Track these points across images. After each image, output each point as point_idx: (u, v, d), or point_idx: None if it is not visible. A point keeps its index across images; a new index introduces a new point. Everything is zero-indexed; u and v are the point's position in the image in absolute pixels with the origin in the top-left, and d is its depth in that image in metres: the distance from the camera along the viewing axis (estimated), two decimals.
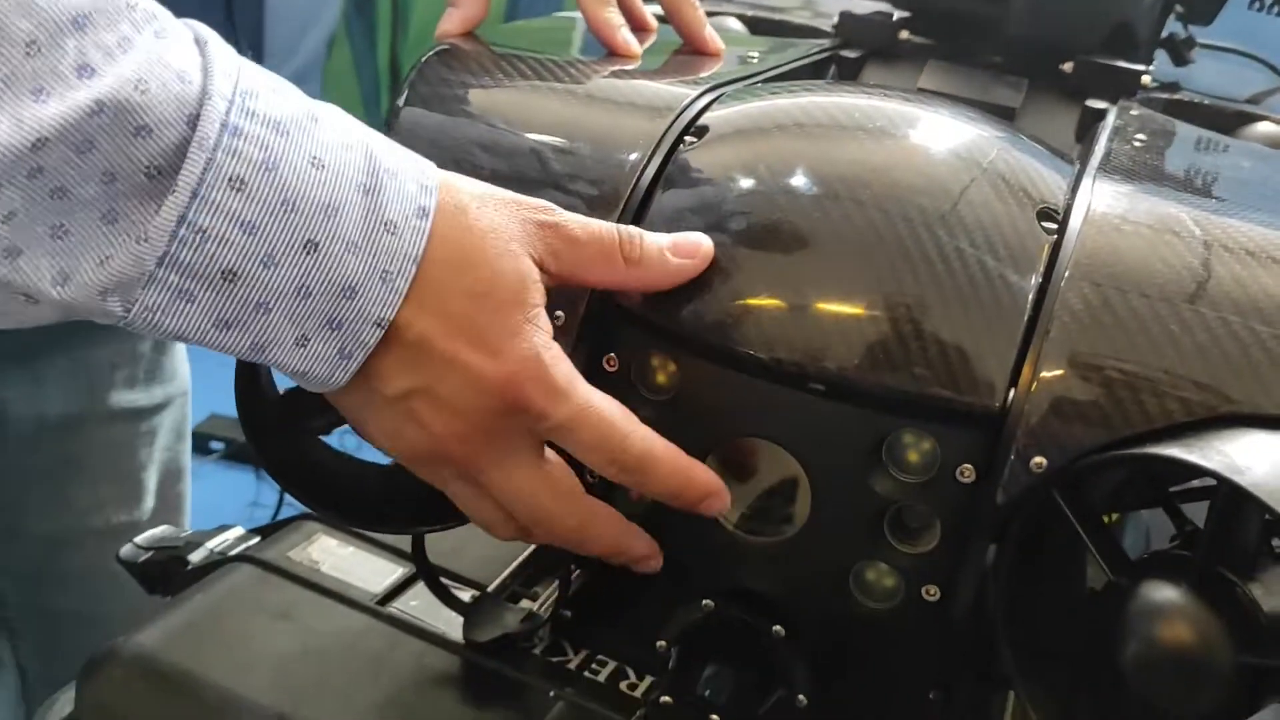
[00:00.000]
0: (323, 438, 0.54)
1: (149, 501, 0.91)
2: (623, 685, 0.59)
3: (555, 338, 0.44)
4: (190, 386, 0.93)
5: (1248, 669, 0.38)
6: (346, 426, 0.49)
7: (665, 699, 0.48)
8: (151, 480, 0.91)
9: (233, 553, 0.66)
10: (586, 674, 0.60)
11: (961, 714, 0.52)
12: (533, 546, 0.68)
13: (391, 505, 0.53)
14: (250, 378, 0.51)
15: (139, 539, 0.68)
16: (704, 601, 0.53)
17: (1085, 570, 0.46)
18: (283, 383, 0.54)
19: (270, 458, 0.51)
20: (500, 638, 0.59)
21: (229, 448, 2.00)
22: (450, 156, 0.52)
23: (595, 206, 0.50)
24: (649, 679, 0.60)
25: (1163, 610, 0.40)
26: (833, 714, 0.51)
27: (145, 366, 0.87)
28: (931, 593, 0.46)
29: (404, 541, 0.67)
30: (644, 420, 0.47)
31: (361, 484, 0.54)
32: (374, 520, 0.53)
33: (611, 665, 0.61)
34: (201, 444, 1.94)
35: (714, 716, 0.47)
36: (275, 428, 0.51)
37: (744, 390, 0.46)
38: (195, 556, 0.66)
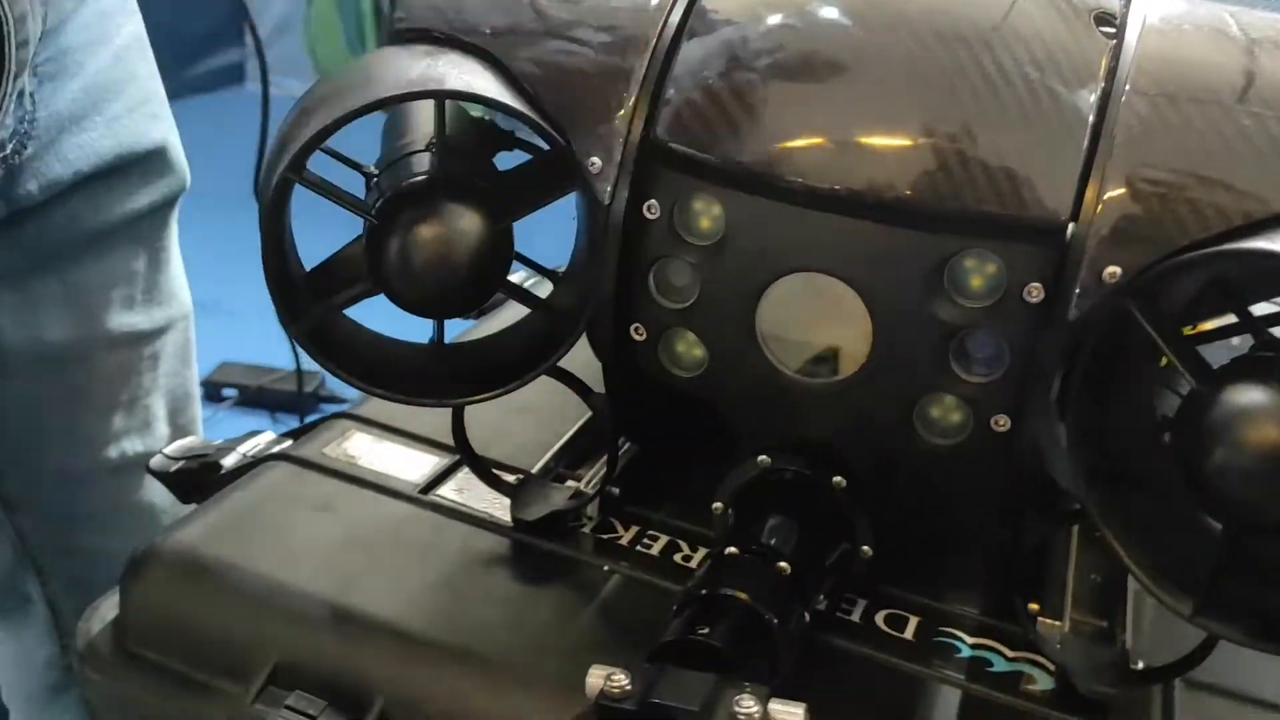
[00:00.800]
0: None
1: (161, 429, 0.90)
2: (676, 558, 0.58)
3: (593, 183, 0.43)
4: (192, 310, 0.91)
5: None
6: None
7: (730, 550, 0.46)
8: (160, 408, 0.90)
9: (266, 455, 0.64)
10: (639, 548, 0.58)
11: (1025, 555, 0.50)
12: (575, 428, 0.66)
13: (428, 375, 0.52)
14: (278, 251, 0.49)
15: (168, 449, 0.67)
16: (760, 458, 0.51)
17: (1153, 393, 0.44)
18: (308, 259, 0.52)
19: (302, 330, 0.49)
20: (548, 516, 0.58)
21: (242, 394, 1.98)
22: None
23: (620, 52, 0.48)
24: (703, 551, 0.58)
25: (1253, 411, 0.38)
26: (897, 561, 0.50)
27: (142, 287, 0.85)
28: (1001, 423, 0.45)
29: (442, 434, 0.65)
30: (691, 267, 0.45)
31: (395, 355, 0.52)
32: (413, 389, 0.51)
33: (664, 539, 0.59)
34: (214, 392, 1.93)
35: (782, 564, 0.45)
36: (306, 301, 0.50)
37: (797, 224, 0.44)
38: (228, 461, 0.65)
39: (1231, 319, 0.43)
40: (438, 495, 0.61)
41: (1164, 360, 0.45)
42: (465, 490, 0.61)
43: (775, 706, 0.39)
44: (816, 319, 0.46)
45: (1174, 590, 0.43)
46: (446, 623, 0.52)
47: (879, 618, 0.55)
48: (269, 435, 0.67)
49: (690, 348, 0.48)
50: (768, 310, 0.46)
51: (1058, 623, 0.54)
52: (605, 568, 0.57)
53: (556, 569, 0.56)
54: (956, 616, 0.55)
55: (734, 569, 0.45)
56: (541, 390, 0.71)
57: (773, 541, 0.47)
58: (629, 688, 0.40)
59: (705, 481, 0.52)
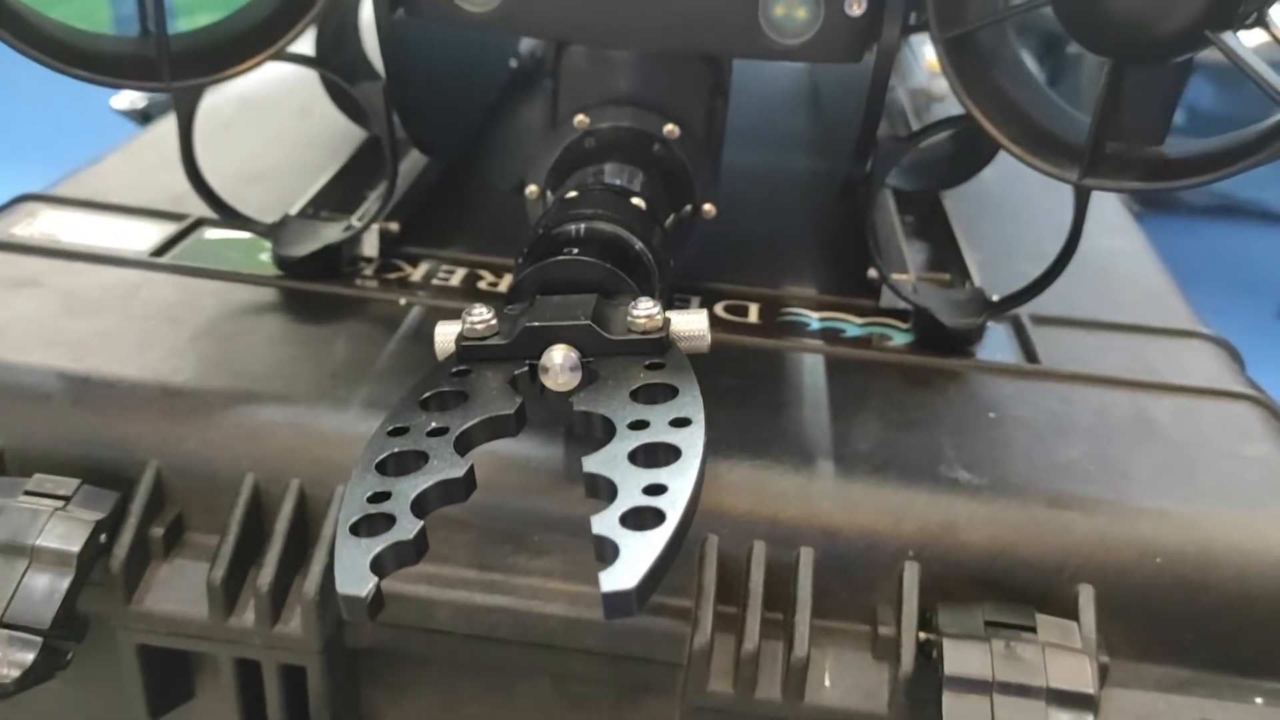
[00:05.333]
0: None
1: None
2: (481, 285, 0.50)
3: None
4: None
5: None
6: None
7: (572, 194, 0.39)
8: None
9: None
10: (435, 282, 0.50)
11: (871, 210, 0.46)
12: (331, 173, 0.56)
13: (139, 60, 0.41)
14: None
15: None
16: (576, 118, 0.44)
17: None
18: None
19: None
20: (320, 251, 0.48)
21: None
22: None
23: None
24: (510, 276, 0.51)
25: None
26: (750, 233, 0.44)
27: None
28: (856, 8, 0.39)
29: (160, 204, 0.54)
30: None
31: (94, 42, 0.41)
32: (120, 72, 0.40)
33: (463, 271, 0.51)
34: None
35: (635, 199, 0.38)
36: None
37: None
38: None
39: None
40: (174, 260, 0.50)
41: None
42: (208, 252, 0.50)
43: (675, 313, 0.33)
44: None
45: (1054, 161, 0.40)
46: (221, 370, 0.42)
47: (718, 308, 0.50)
48: None
49: None
50: None
51: (905, 276, 0.51)
52: (402, 301, 0.48)
53: (342, 309, 0.47)
54: (796, 297, 0.51)
55: (585, 202, 0.37)
56: (276, 151, 0.61)
57: (617, 182, 0.40)
58: (494, 322, 0.32)
59: (509, 209, 0.44)
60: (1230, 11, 0.35)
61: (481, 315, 0.32)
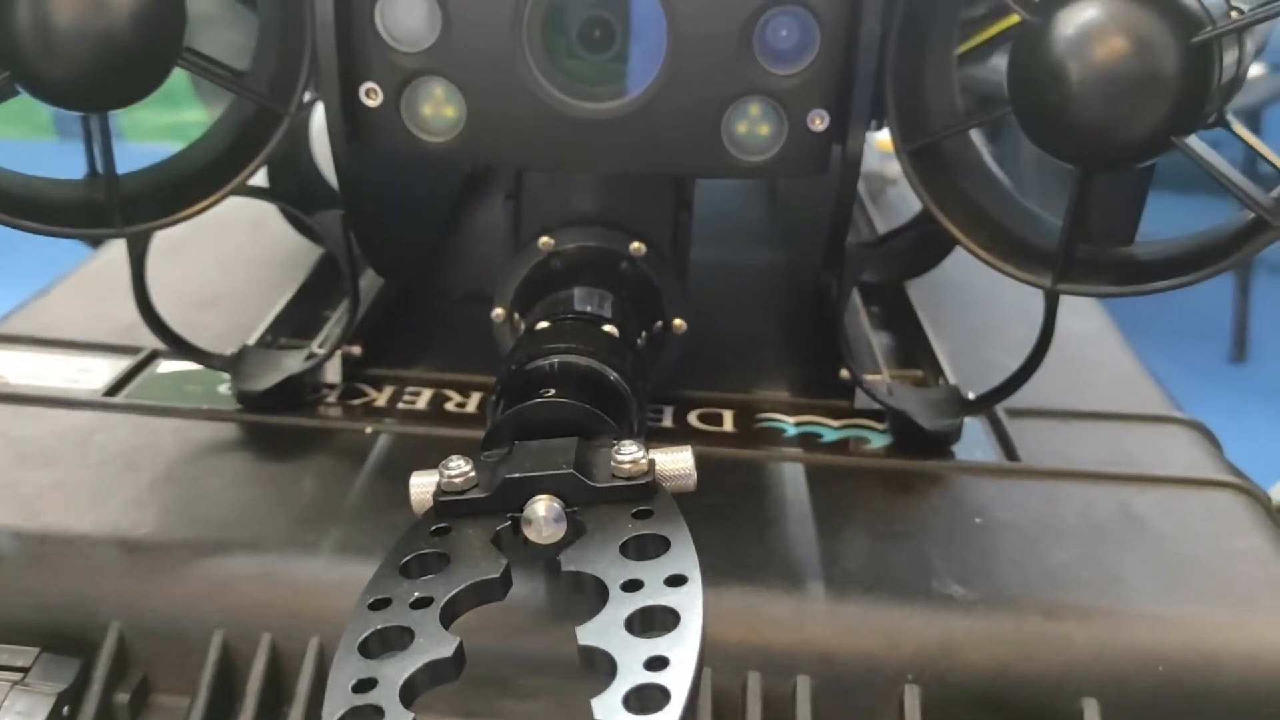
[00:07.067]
0: None
1: None
2: (449, 407, 0.49)
3: None
4: None
5: (1198, 52, 0.34)
6: None
7: (542, 324, 0.38)
8: None
9: None
10: (401, 405, 0.49)
11: (840, 311, 0.46)
12: (285, 301, 0.55)
13: (90, 206, 0.40)
14: None
15: None
16: (541, 240, 0.43)
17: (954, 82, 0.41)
18: None
19: None
20: (282, 384, 0.47)
21: None
22: None
23: None
24: (477, 395, 0.50)
25: (1093, 25, 0.35)
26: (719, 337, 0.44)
27: None
28: (818, 123, 0.39)
29: (110, 337, 0.52)
30: None
31: (42, 189, 0.40)
32: (70, 220, 0.39)
33: (429, 392, 0.50)
34: None
35: (607, 326, 0.38)
36: None
37: None
38: None
39: None
40: (128, 397, 0.48)
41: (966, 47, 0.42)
42: (164, 388, 0.49)
43: (659, 453, 0.32)
44: (594, 30, 0.38)
45: (1026, 267, 0.39)
46: (184, 520, 0.40)
47: (692, 418, 0.49)
48: None
49: (440, 104, 0.39)
50: (535, 31, 0.38)
51: (878, 376, 0.50)
52: (368, 429, 0.46)
53: (306, 442, 0.46)
54: (770, 401, 0.50)
55: (556, 335, 0.36)
56: (230, 277, 0.60)
57: (588, 309, 0.39)
58: (473, 474, 0.31)
59: (471, 322, 0.43)
60: (1194, 116, 0.35)
61: (459, 468, 0.30)
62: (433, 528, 0.30)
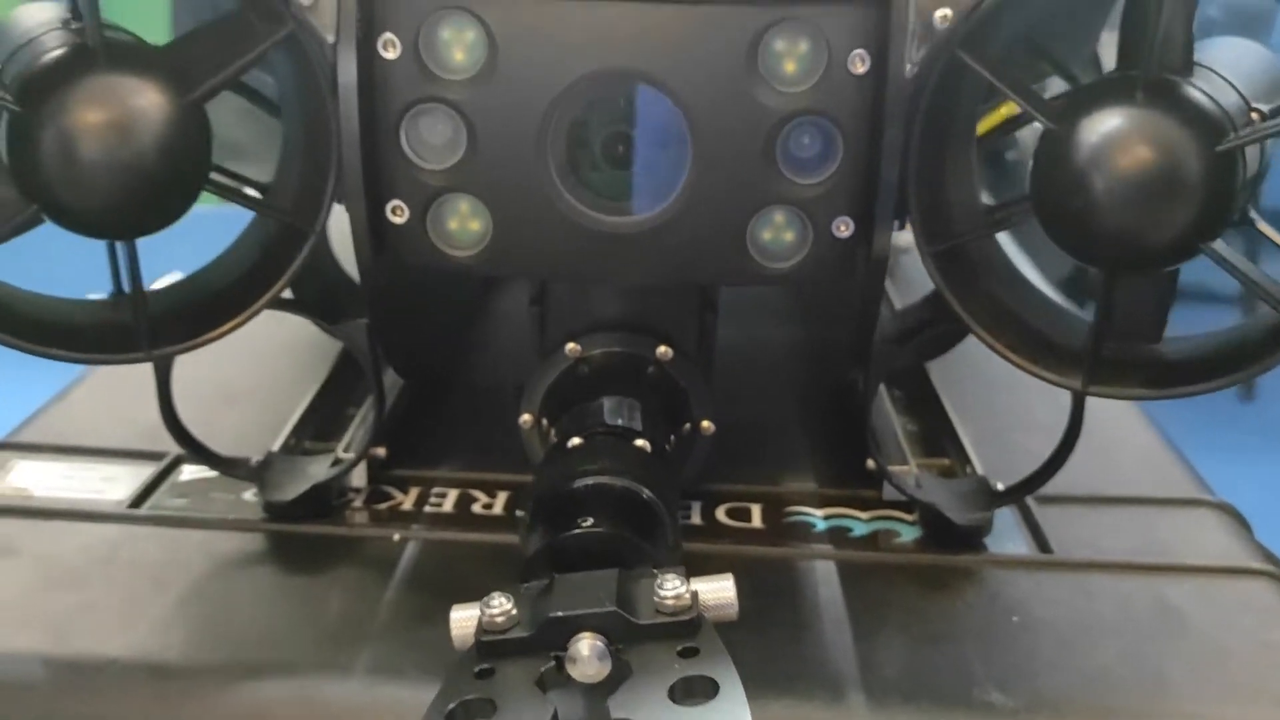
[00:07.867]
0: None
1: None
2: (475, 509, 0.49)
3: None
4: None
5: (1222, 159, 0.34)
6: None
7: (575, 441, 0.38)
8: None
9: None
10: (428, 509, 0.48)
11: (867, 406, 0.46)
12: (311, 395, 0.55)
13: (116, 328, 0.40)
14: None
15: None
16: (568, 346, 0.43)
17: (976, 181, 0.41)
18: None
19: None
20: (309, 493, 0.46)
21: None
22: None
23: None
24: (503, 494, 0.49)
25: (1115, 135, 0.35)
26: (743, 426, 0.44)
27: None
28: (843, 229, 0.39)
29: (135, 442, 0.52)
30: (453, 112, 0.37)
31: (68, 312, 0.40)
32: (97, 345, 0.39)
33: (455, 493, 0.50)
34: None
35: (639, 441, 0.37)
36: None
37: (580, 25, 0.36)
38: None
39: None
40: (153, 509, 0.48)
41: (986, 126, 0.42)
42: (188, 495, 0.49)
43: (701, 583, 0.31)
44: (618, 145, 0.38)
45: (1055, 368, 0.39)
46: (212, 642, 0.40)
47: (720, 513, 0.48)
48: None
49: (466, 220, 0.39)
50: (559, 146, 0.38)
51: (905, 467, 0.50)
52: (396, 537, 0.46)
53: (335, 552, 0.45)
54: (797, 494, 0.50)
55: (589, 454, 0.36)
56: (252, 371, 0.60)
57: (618, 422, 0.39)
58: (515, 611, 0.30)
59: (490, 418, 0.43)
60: (1220, 221, 0.35)
61: (501, 606, 0.30)
62: (476, 669, 0.30)
